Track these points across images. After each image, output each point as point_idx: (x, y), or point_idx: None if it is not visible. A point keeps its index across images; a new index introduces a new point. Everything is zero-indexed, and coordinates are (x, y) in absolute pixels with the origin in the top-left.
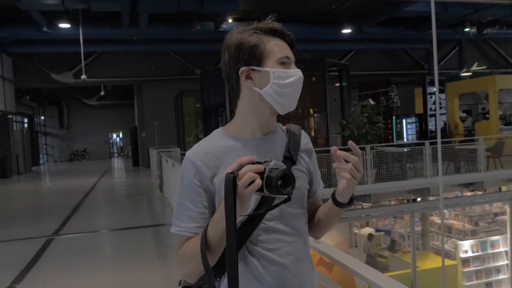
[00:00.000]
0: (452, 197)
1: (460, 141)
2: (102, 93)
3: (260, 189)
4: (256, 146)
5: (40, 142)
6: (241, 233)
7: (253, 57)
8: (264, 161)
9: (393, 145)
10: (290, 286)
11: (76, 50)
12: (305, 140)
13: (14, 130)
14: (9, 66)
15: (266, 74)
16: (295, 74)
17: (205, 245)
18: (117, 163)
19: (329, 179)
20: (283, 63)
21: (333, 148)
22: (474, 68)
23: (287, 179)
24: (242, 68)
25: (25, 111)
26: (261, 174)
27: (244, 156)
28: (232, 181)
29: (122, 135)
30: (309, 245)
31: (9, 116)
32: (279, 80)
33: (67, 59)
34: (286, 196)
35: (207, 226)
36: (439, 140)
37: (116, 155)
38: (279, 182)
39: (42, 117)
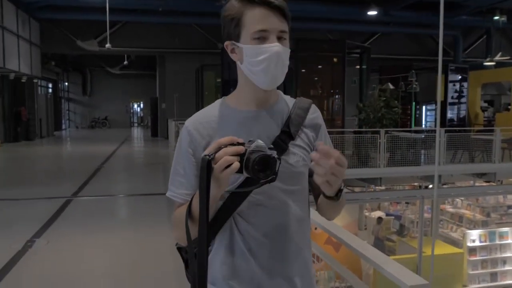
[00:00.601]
0: (464, 186)
1: (477, 131)
2: (125, 62)
3: (240, 171)
4: (252, 119)
5: (62, 108)
6: (228, 205)
7: (232, 31)
8: (249, 141)
9: (408, 131)
10: (271, 266)
11: (102, 19)
12: (313, 115)
13: (39, 95)
14: (37, 31)
15: (242, 50)
16: (268, 51)
17: (189, 215)
18: (137, 132)
19: None
20: (259, 38)
21: (318, 142)
22: (497, 58)
23: (266, 163)
24: (226, 43)
25: (50, 76)
26: (242, 155)
27: (238, 127)
28: (206, 164)
29: (143, 105)
30: (306, 227)
31: (35, 81)
32: (251, 57)
33: (92, 27)
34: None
35: (193, 197)
36: (437, 129)
37: (136, 124)
38: (256, 167)
39: (66, 83)
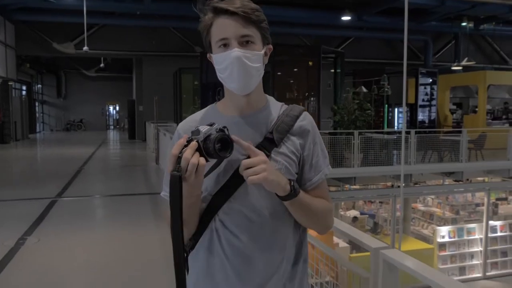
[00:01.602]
0: (433, 185)
1: (446, 132)
2: (102, 65)
3: (204, 156)
4: (233, 124)
5: (37, 110)
6: (211, 207)
7: (205, 42)
8: (192, 132)
9: (381, 132)
10: (245, 273)
11: (79, 21)
12: (302, 122)
13: (13, 97)
14: (12, 33)
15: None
16: (228, 57)
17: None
18: (113, 135)
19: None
20: (224, 45)
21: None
22: (463, 63)
23: (225, 142)
24: (207, 55)
25: (24, 79)
26: (199, 148)
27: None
28: (178, 180)
29: (119, 108)
30: (289, 237)
31: (10, 83)
32: (217, 65)
33: (69, 30)
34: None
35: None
36: (404, 130)
37: (112, 127)
38: (218, 150)
39: (40, 86)
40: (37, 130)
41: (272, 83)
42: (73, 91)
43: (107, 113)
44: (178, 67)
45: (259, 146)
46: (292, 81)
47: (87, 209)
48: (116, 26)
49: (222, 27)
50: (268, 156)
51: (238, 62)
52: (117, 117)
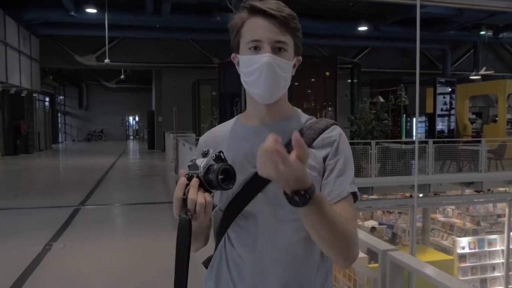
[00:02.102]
0: (451, 195)
1: (464, 142)
2: (122, 76)
3: (209, 191)
4: (252, 133)
5: (59, 121)
6: (223, 222)
7: (233, 42)
8: (189, 166)
9: (398, 142)
10: None
11: (100, 34)
12: (327, 134)
13: (37, 108)
14: (36, 46)
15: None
16: (258, 61)
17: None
18: (133, 145)
19: None
20: (255, 48)
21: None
22: (482, 72)
23: (228, 173)
24: (232, 55)
25: (47, 90)
26: (201, 183)
27: (239, 143)
28: (188, 224)
29: (138, 119)
30: (306, 264)
31: (34, 95)
32: (243, 68)
33: (91, 43)
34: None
35: None
36: (416, 140)
37: (131, 137)
38: (221, 181)
39: (62, 97)
40: (60, 140)
41: (289, 93)
42: (94, 102)
43: (127, 124)
44: (196, 78)
45: None
46: (309, 91)
47: (109, 216)
48: (136, 39)
49: (256, 28)
50: None
51: (268, 68)
52: (137, 127)
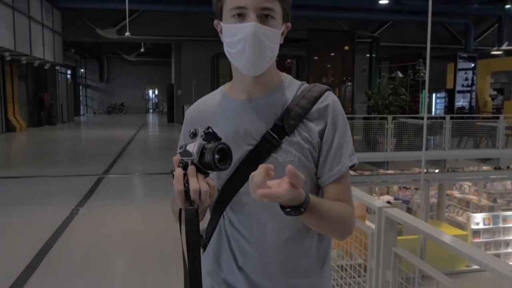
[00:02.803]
0: (467, 171)
1: (483, 118)
2: (142, 50)
3: (202, 172)
4: (241, 109)
5: (80, 94)
6: (219, 201)
7: (215, 7)
8: (181, 148)
9: (415, 117)
10: (260, 283)
11: (120, 8)
12: (322, 104)
13: (60, 81)
14: (59, 20)
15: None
16: (242, 30)
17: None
18: (153, 118)
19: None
20: (239, 15)
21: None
22: (504, 47)
23: (224, 152)
24: (214, 22)
25: (69, 63)
26: (199, 169)
27: (226, 120)
28: (196, 215)
29: (158, 92)
30: (306, 238)
31: (57, 67)
32: (227, 37)
33: (111, 16)
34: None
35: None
36: (425, 116)
37: (151, 110)
38: (218, 162)
39: (83, 70)
40: (81, 113)
41: (308, 67)
42: (114, 75)
43: (147, 97)
44: (215, 52)
45: (267, 135)
46: (328, 66)
47: (131, 185)
48: (156, 12)
49: None
50: (278, 145)
51: (253, 38)
52: (156, 100)
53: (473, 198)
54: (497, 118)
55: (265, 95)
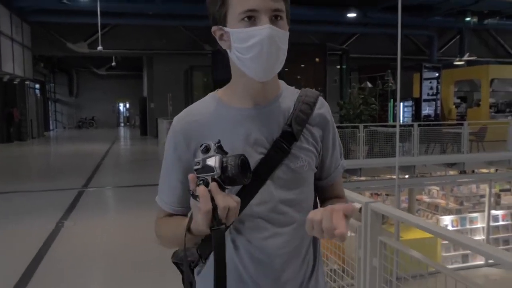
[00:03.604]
0: (435, 176)
1: (448, 125)
2: (113, 63)
3: (222, 187)
4: (249, 117)
5: (50, 109)
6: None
7: (217, 13)
8: (197, 165)
9: (385, 125)
10: (270, 284)
11: (92, 22)
12: (320, 110)
13: (29, 96)
14: (28, 34)
15: (229, 35)
16: (257, 34)
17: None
18: (125, 132)
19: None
20: (249, 18)
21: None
22: (465, 57)
23: (244, 166)
24: (213, 28)
25: (38, 78)
26: (220, 185)
27: (234, 127)
28: (224, 235)
29: (129, 105)
30: (311, 243)
31: (27, 82)
32: (238, 43)
33: (82, 30)
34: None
35: (190, 218)
36: (398, 124)
37: (122, 124)
38: (238, 176)
39: (52, 84)
40: (51, 128)
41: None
42: (84, 89)
43: (118, 111)
44: (187, 64)
45: (278, 141)
46: (299, 77)
47: (111, 197)
48: (128, 26)
49: None
50: (289, 152)
51: (269, 42)
52: (128, 114)
53: (441, 202)
54: (461, 124)
55: (270, 102)
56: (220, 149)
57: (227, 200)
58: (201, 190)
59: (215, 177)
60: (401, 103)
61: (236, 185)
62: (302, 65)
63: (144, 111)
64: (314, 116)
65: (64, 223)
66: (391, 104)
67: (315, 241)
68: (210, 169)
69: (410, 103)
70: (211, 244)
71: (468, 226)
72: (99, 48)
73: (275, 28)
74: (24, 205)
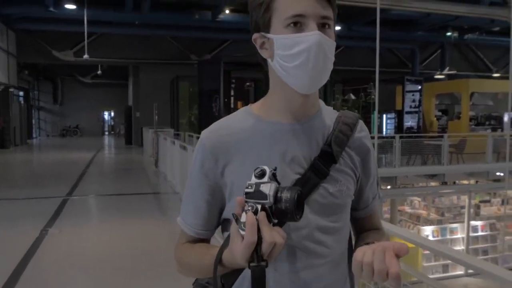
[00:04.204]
0: (416, 187)
1: (429, 137)
2: (99, 72)
3: (269, 219)
4: (287, 133)
5: (33, 116)
6: None
7: (261, 19)
8: (248, 191)
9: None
10: None
11: (78, 30)
12: (360, 134)
13: (13, 103)
14: (13, 41)
15: (273, 42)
16: (305, 41)
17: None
18: (109, 140)
19: None
20: (295, 24)
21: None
22: (445, 71)
23: (300, 202)
24: (254, 36)
25: (22, 85)
26: (268, 216)
27: (270, 144)
28: (264, 273)
29: (114, 114)
30: (346, 273)
31: (11, 90)
32: (283, 50)
33: (68, 38)
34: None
35: (222, 248)
36: (376, 135)
37: (107, 133)
38: (293, 206)
39: (37, 92)
40: (34, 135)
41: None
42: (69, 97)
43: (103, 119)
44: (173, 74)
45: (316, 162)
46: None
47: (97, 206)
48: (114, 35)
49: (295, 1)
50: (327, 174)
51: (318, 50)
52: (113, 123)
53: (423, 212)
54: (442, 137)
55: (310, 118)
56: (274, 177)
57: (274, 235)
58: (249, 218)
59: (266, 206)
60: (384, 115)
61: (286, 221)
62: None
63: (130, 120)
64: (354, 139)
65: (48, 231)
66: (373, 115)
67: (352, 278)
68: (263, 196)
69: (393, 115)
70: (237, 273)
71: (448, 237)
72: (85, 56)
73: (324, 35)
74: (8, 213)
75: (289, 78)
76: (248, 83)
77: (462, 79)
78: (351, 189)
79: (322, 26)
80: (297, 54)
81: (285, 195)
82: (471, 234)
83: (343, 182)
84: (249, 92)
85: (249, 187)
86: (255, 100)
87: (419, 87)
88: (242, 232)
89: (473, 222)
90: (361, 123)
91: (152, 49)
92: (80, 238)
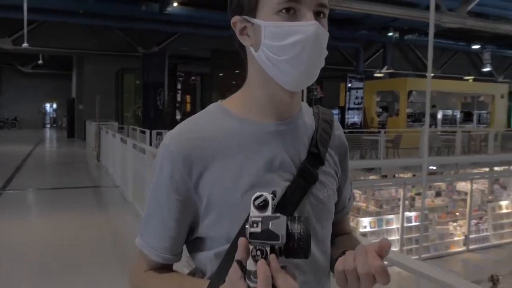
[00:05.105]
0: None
1: (369, 133)
2: (40, 61)
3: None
4: (274, 135)
5: None
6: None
7: (247, 1)
8: (259, 230)
9: None
10: None
11: (17, 17)
12: (338, 131)
13: None
14: None
15: (259, 30)
16: (301, 31)
17: None
18: (51, 133)
19: None
20: (288, 11)
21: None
22: (384, 70)
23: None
24: (234, 19)
25: None
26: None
27: (257, 147)
28: None
29: (57, 106)
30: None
31: None
32: (273, 40)
33: (6, 25)
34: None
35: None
36: None
37: (48, 125)
38: (307, 243)
39: None
40: None
41: (211, 85)
42: (7, 87)
43: (44, 111)
44: (119, 66)
45: (305, 166)
46: (233, 83)
47: (33, 200)
48: (57, 23)
49: None
50: (316, 179)
51: (315, 42)
52: (55, 115)
53: (363, 205)
54: (379, 132)
55: (294, 117)
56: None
57: (290, 282)
58: (262, 268)
59: (276, 246)
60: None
61: (294, 258)
62: (237, 71)
63: (72, 112)
64: (334, 137)
65: None
66: None
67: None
68: (273, 236)
69: (336, 111)
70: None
71: (384, 227)
72: (25, 45)
73: (321, 26)
74: None
75: (276, 72)
76: (193, 77)
77: (400, 78)
78: (335, 191)
79: (317, 15)
80: (291, 45)
81: (297, 230)
82: (405, 224)
83: (329, 185)
84: (196, 87)
85: (254, 225)
86: (202, 95)
87: (361, 84)
88: (252, 285)
89: (407, 213)
90: (335, 120)
91: (97, 39)
92: (15, 232)
